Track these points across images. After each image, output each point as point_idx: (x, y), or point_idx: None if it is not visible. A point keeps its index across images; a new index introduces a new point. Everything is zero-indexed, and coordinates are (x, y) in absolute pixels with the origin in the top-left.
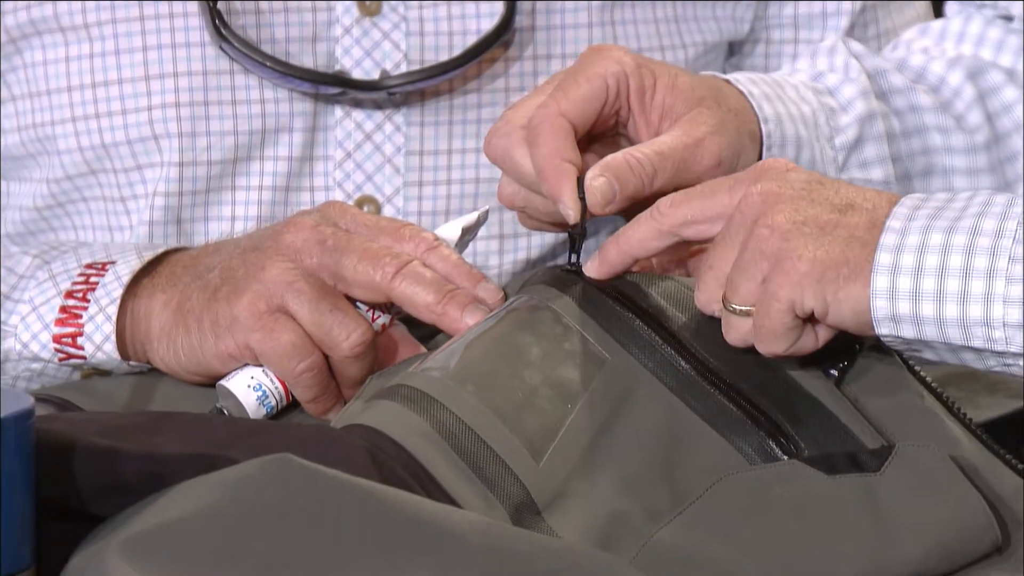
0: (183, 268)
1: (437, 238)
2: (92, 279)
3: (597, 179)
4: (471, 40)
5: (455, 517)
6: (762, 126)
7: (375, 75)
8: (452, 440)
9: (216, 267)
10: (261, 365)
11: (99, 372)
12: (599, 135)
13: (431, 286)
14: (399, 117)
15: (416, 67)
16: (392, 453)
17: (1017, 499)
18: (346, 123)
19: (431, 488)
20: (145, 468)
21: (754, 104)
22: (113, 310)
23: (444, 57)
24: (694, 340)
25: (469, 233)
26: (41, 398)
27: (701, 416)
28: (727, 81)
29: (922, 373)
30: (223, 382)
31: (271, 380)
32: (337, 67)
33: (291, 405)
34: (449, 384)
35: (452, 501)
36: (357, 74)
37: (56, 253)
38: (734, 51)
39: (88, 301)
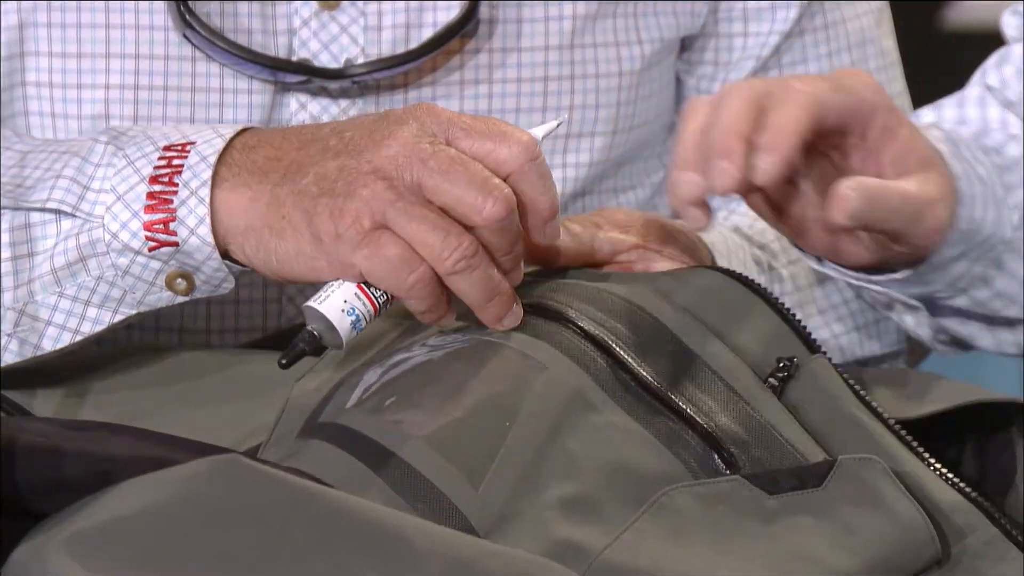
0: (267, 161)
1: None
2: (175, 162)
3: (849, 191)
4: (428, 33)
5: (404, 521)
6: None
7: (331, 67)
8: (387, 476)
9: (309, 172)
10: (353, 283)
11: (183, 275)
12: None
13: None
14: (355, 111)
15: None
16: None
17: (955, 510)
18: (301, 116)
19: None
20: (91, 467)
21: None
22: (205, 192)
23: (401, 52)
24: (633, 352)
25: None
26: None
27: (643, 427)
28: None
29: (856, 387)
30: (315, 305)
31: (363, 302)
32: (295, 59)
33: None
34: (381, 419)
35: None
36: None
37: (126, 139)
38: (686, 46)
39: (176, 185)
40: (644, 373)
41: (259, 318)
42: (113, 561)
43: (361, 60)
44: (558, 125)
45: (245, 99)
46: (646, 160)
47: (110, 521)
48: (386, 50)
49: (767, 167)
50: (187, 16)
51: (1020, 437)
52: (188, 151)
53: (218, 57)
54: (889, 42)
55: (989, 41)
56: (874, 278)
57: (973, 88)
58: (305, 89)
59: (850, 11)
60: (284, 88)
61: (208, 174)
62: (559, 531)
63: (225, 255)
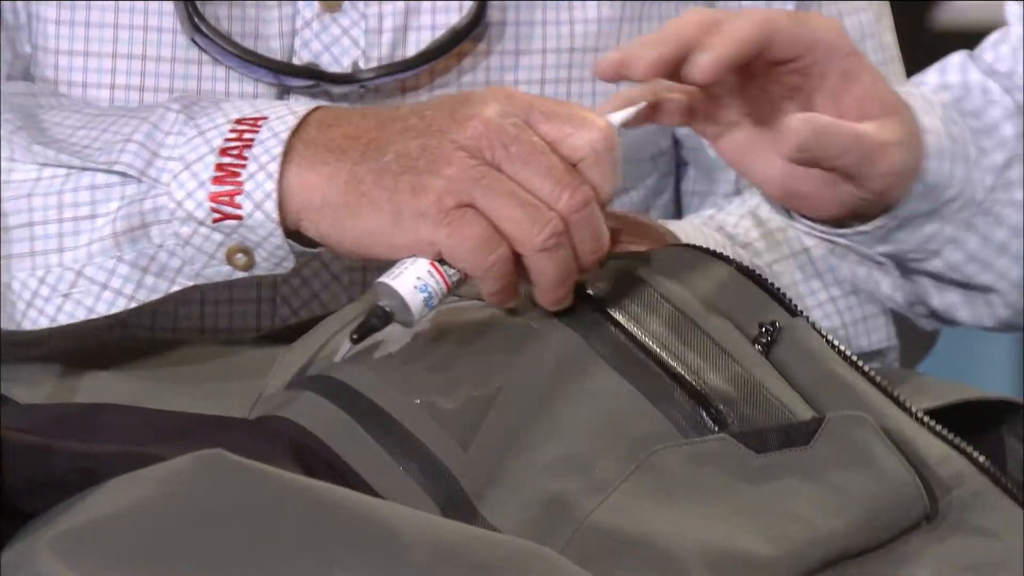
0: (345, 140)
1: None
2: (246, 135)
3: (799, 123)
4: (426, 35)
5: (391, 512)
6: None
7: (334, 70)
8: (378, 436)
9: (389, 150)
10: (427, 260)
11: (244, 250)
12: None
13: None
14: None
15: (374, 64)
16: (318, 453)
17: (942, 464)
18: None
19: (359, 489)
20: (78, 465)
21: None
22: (275, 168)
23: (400, 55)
24: (622, 311)
25: (624, 127)
26: None
27: (633, 385)
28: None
29: (839, 345)
30: (388, 281)
31: (435, 279)
32: (295, 60)
33: None
34: (372, 376)
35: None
36: None
37: (199, 108)
38: None
39: (245, 159)
40: (633, 332)
41: (252, 318)
42: (100, 560)
43: (362, 63)
44: (637, 111)
45: None
46: (639, 163)
47: (96, 520)
48: (386, 52)
49: (703, 61)
50: (195, 19)
51: (1010, 435)
52: (260, 126)
53: (225, 60)
54: (889, 37)
55: (979, 41)
56: (840, 231)
57: (956, 55)
58: (308, 92)
59: (848, 6)
60: (286, 91)
61: (279, 150)
62: (549, 493)
63: (295, 233)
